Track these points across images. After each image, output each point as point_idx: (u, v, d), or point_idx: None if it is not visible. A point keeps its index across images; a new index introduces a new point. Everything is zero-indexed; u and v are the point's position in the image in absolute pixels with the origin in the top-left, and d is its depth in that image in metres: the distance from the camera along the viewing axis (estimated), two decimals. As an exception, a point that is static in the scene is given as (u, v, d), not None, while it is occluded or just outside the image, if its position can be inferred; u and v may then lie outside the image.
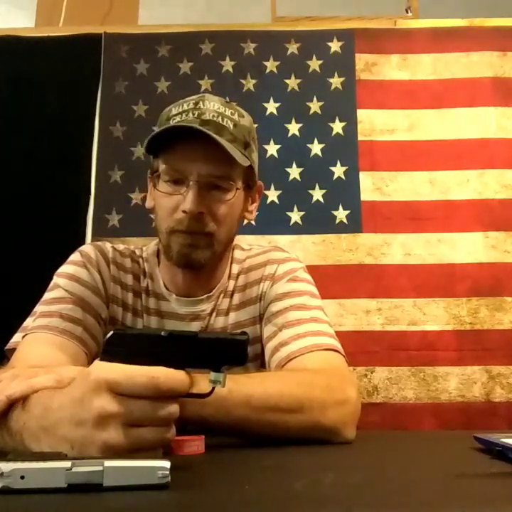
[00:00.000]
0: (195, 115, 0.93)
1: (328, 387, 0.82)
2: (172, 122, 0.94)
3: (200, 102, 0.95)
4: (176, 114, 0.95)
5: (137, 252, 1.08)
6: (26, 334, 0.93)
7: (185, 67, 2.23)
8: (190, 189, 0.91)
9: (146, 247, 1.09)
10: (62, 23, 2.41)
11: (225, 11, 2.62)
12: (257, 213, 1.09)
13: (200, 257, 0.95)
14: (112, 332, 0.53)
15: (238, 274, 1.06)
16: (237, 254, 1.08)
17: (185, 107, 0.95)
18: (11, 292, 1.99)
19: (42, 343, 0.90)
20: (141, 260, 1.06)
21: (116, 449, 0.50)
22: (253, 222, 1.05)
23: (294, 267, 1.06)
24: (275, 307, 1.01)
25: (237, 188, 0.97)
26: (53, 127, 2.16)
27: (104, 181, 2.14)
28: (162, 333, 0.53)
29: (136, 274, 1.04)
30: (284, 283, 1.03)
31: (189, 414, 0.58)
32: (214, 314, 1.03)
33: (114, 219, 2.11)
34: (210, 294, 1.03)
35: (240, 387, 0.73)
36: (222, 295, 1.04)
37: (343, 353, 0.96)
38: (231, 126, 0.94)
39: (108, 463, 0.43)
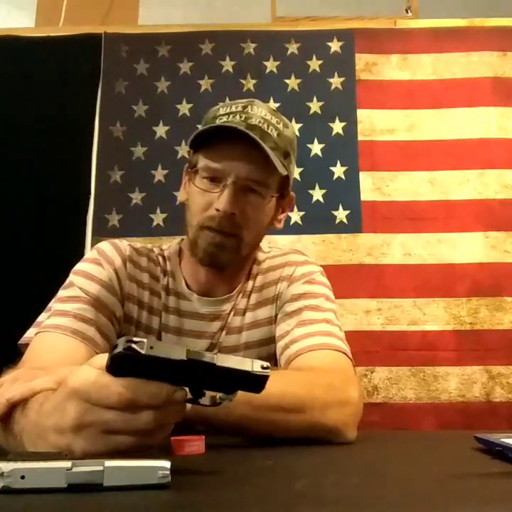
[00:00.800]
0: (242, 118, 0.95)
1: (330, 387, 0.82)
2: (218, 122, 0.96)
3: (249, 107, 0.97)
4: (223, 115, 0.97)
5: (155, 250, 1.08)
6: (39, 332, 0.92)
7: (185, 67, 2.23)
8: (227, 188, 0.93)
9: (167, 245, 1.10)
10: (62, 23, 2.41)
11: (225, 11, 2.62)
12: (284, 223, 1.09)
13: (224, 258, 0.96)
14: (119, 351, 0.48)
15: (257, 275, 1.07)
16: (258, 255, 1.09)
17: (233, 109, 0.97)
18: (12, 291, 1.99)
19: (53, 344, 0.89)
20: (161, 259, 1.06)
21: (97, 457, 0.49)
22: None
23: (311, 269, 1.07)
24: (290, 307, 1.02)
25: (272, 196, 0.98)
26: (53, 127, 2.16)
27: (104, 181, 2.14)
28: (177, 359, 0.49)
29: (152, 272, 1.04)
30: (300, 284, 1.04)
31: (190, 412, 0.58)
32: (232, 313, 1.04)
33: (114, 219, 2.11)
34: (231, 294, 1.04)
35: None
36: (240, 295, 1.05)
37: (351, 357, 0.97)
38: (275, 134, 0.96)
39: (108, 463, 0.43)
